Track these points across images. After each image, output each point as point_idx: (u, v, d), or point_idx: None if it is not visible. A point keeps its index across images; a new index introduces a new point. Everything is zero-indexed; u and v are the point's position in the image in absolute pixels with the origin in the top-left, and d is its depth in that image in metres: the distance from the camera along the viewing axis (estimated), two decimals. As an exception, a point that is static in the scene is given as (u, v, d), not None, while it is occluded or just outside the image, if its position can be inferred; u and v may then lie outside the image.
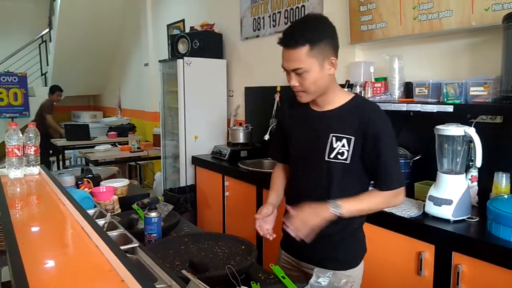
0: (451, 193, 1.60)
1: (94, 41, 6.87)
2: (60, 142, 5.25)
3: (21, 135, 1.69)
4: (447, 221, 1.62)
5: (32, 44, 8.24)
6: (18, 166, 1.65)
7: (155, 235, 1.50)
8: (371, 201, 1.32)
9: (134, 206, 1.72)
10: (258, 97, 3.53)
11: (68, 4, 6.17)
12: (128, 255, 0.99)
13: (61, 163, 5.36)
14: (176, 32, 4.78)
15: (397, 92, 2.15)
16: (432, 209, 1.65)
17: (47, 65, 8.13)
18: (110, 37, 6.98)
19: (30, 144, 1.71)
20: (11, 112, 7.36)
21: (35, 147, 1.72)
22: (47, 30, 7.99)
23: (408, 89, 2.16)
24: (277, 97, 3.21)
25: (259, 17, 3.49)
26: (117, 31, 6.86)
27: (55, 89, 6.12)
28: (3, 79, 7.29)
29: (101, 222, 1.39)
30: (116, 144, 5.16)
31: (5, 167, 1.69)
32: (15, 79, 7.39)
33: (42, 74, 8.44)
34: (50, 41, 7.76)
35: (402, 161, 2.05)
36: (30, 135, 1.72)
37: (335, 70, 1.32)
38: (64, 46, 6.84)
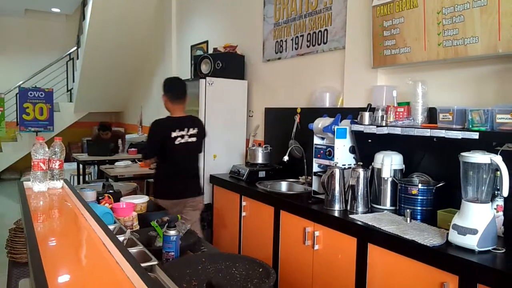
0: (476, 223, 1.55)
1: (119, 60, 7.07)
2: (82, 157, 5.35)
3: (47, 149, 1.73)
4: (471, 251, 1.56)
5: (59, 61, 8.54)
6: (42, 180, 1.69)
7: (173, 253, 1.50)
8: None
9: (153, 223, 1.72)
10: (278, 118, 3.54)
11: (96, 23, 6.39)
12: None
13: (81, 177, 5.45)
14: (199, 52, 4.89)
15: (420, 117, 2.13)
16: (456, 238, 1.60)
17: (73, 81, 8.39)
18: (135, 56, 7.18)
19: (55, 159, 1.75)
20: (36, 126, 7.59)
21: (60, 162, 1.76)
22: (75, 48, 8.28)
23: (431, 115, 2.13)
24: (297, 118, 3.22)
25: (281, 40, 3.54)
26: (142, 50, 7.05)
27: (99, 128, 5.85)
28: (31, 94, 7.55)
29: (120, 238, 1.40)
30: (136, 160, 5.22)
31: (29, 180, 1.73)
32: (41, 94, 7.64)
33: (67, 90, 8.71)
34: (77, 58, 8.03)
35: (425, 187, 2.01)
36: (56, 149, 1.76)
37: (165, 101, 2.90)
38: (90, 64, 7.06)
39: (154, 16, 6.48)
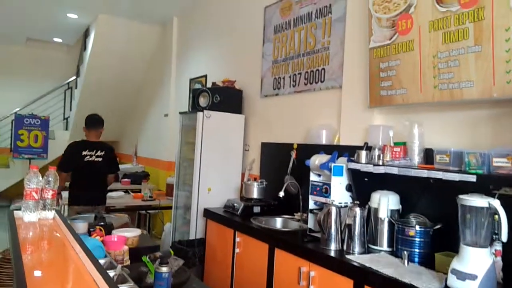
0: (476, 268, 1.52)
1: (117, 90, 7.14)
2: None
3: (40, 178, 1.69)
4: (471, 297, 1.52)
5: (58, 90, 8.60)
6: (33, 210, 1.65)
7: (164, 291, 1.45)
8: None
9: (145, 258, 1.68)
10: (274, 153, 3.55)
11: (97, 54, 6.50)
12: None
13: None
14: (198, 86, 4.95)
15: (416, 158, 2.13)
16: (455, 283, 1.57)
17: (70, 110, 8.41)
18: (134, 87, 7.25)
19: (48, 188, 1.72)
20: (30, 153, 7.52)
21: (53, 191, 1.73)
22: (74, 77, 8.35)
23: (428, 155, 2.14)
24: (293, 154, 3.22)
25: (279, 77, 3.60)
26: (141, 82, 7.14)
27: None
28: (26, 121, 7.54)
29: (111, 273, 1.35)
30: (129, 191, 5.17)
31: (19, 207, 1.69)
32: (37, 121, 7.63)
33: (64, 119, 8.71)
34: (76, 87, 8.09)
35: (422, 229, 1.98)
36: (50, 179, 1.73)
37: (84, 129, 3.91)
38: (88, 94, 7.10)
39: (155, 49, 6.61)
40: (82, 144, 3.81)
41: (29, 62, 8.83)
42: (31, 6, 5.97)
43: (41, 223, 1.64)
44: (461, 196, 1.62)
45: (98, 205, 3.68)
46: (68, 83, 8.67)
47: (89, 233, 1.98)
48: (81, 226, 1.99)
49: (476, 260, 1.55)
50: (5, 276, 1.83)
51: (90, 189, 3.70)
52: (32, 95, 8.30)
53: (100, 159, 3.77)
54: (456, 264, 1.59)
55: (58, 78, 8.77)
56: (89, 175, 3.72)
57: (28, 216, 1.63)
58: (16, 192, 7.19)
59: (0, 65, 8.54)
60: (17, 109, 7.93)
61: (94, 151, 3.76)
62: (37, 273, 1.12)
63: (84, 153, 3.71)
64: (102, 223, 2.12)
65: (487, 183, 1.78)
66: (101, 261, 1.48)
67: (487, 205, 1.56)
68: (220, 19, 4.79)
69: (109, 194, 4.62)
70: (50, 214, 1.70)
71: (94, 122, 3.95)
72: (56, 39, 8.32)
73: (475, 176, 1.71)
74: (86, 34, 7.26)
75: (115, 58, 6.58)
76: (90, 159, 3.72)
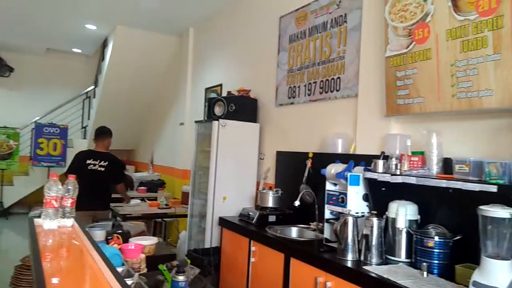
0: (498, 280, 1.48)
1: (134, 99, 7.25)
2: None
3: (60, 187, 1.72)
4: (493, 311, 1.48)
5: (76, 99, 8.78)
6: (53, 218, 1.68)
7: (180, 300, 1.45)
8: None
9: (161, 267, 1.69)
10: (289, 162, 3.54)
11: (114, 64, 6.63)
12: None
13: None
14: (213, 95, 4.99)
15: (435, 167, 2.10)
16: (477, 296, 1.53)
17: (88, 119, 8.56)
18: (150, 96, 7.36)
19: (68, 196, 1.75)
20: (49, 161, 7.67)
21: (72, 200, 1.76)
22: (93, 87, 8.52)
23: (446, 165, 2.11)
24: (308, 163, 3.21)
25: (294, 86, 3.61)
26: (157, 91, 7.24)
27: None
28: (46, 130, 7.70)
29: (128, 282, 1.36)
30: (145, 199, 5.21)
31: (37, 214, 1.72)
32: (56, 130, 7.79)
33: (82, 127, 8.87)
34: (94, 97, 8.24)
35: (442, 240, 1.94)
36: (69, 187, 1.76)
37: (93, 139, 4.25)
38: (106, 103, 7.23)
39: (171, 59, 6.71)
40: (87, 153, 4.07)
41: (49, 71, 9.05)
42: (51, 17, 6.13)
43: (60, 230, 1.67)
44: (481, 207, 1.59)
45: (101, 210, 3.94)
46: (86, 93, 8.85)
47: (107, 241, 2.00)
48: (99, 234, 2.01)
49: (498, 273, 1.51)
50: (25, 283, 1.87)
51: (91, 195, 3.73)
52: (51, 104, 8.49)
53: (103, 169, 3.98)
54: (477, 276, 1.56)
55: (76, 88, 8.96)
56: (91, 183, 3.82)
57: (48, 223, 1.66)
58: (35, 199, 7.34)
59: (21, 75, 8.77)
60: (37, 118, 8.12)
61: (98, 160, 3.98)
62: (56, 280, 1.13)
63: (88, 161, 3.95)
64: (119, 231, 2.14)
65: (509, 194, 1.74)
66: (119, 269, 1.49)
67: (509, 216, 1.52)
68: (236, 29, 4.84)
69: (126, 202, 4.67)
70: (69, 222, 1.73)
71: (100, 133, 4.20)
72: (75, 50, 8.51)
73: (496, 186, 1.68)
74: (104, 45, 7.42)
75: (133, 68, 6.69)
76: (93, 167, 3.95)
